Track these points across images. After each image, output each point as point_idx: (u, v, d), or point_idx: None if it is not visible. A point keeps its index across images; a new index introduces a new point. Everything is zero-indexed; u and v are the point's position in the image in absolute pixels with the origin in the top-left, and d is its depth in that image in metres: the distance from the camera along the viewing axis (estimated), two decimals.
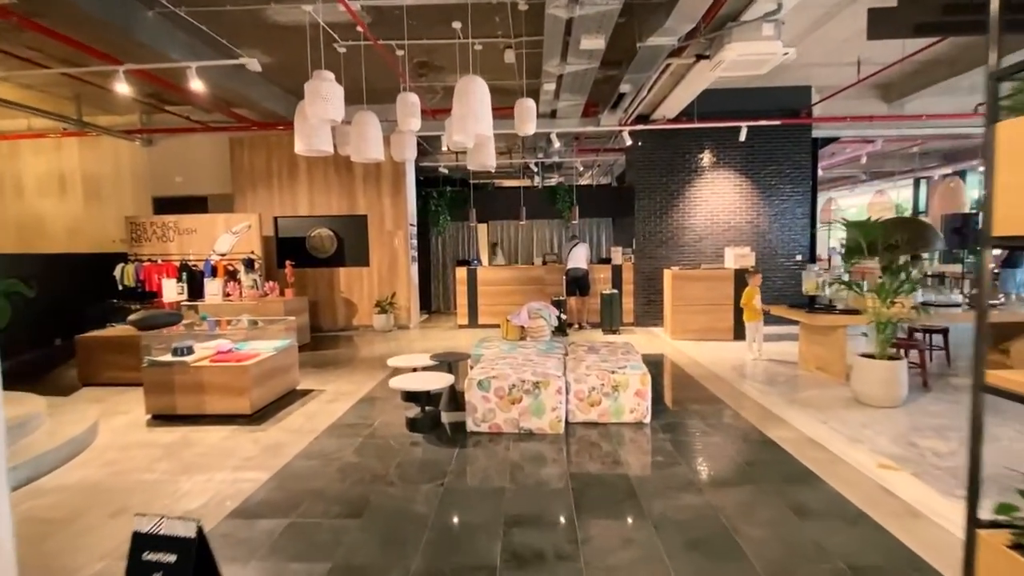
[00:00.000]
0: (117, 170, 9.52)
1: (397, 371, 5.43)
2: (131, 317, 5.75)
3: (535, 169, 10.91)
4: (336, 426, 4.30)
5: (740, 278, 7.64)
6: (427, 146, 10.67)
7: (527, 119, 4.78)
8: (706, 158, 8.70)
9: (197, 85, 5.09)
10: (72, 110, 8.14)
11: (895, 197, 15.51)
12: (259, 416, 4.53)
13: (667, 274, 7.94)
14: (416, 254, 9.92)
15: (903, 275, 4.41)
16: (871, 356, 4.55)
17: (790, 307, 5.97)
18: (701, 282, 7.71)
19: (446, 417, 4.32)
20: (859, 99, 8.56)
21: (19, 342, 6.90)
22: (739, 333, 7.64)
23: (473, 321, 9.22)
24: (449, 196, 11.15)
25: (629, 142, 8.18)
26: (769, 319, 6.54)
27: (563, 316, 8.35)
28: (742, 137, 8.05)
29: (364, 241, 9.30)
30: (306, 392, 5.29)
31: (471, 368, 4.65)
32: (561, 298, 8.47)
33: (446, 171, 11.59)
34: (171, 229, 8.43)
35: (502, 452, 3.64)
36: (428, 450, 3.74)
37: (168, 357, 4.57)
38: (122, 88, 5.40)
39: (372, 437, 4.02)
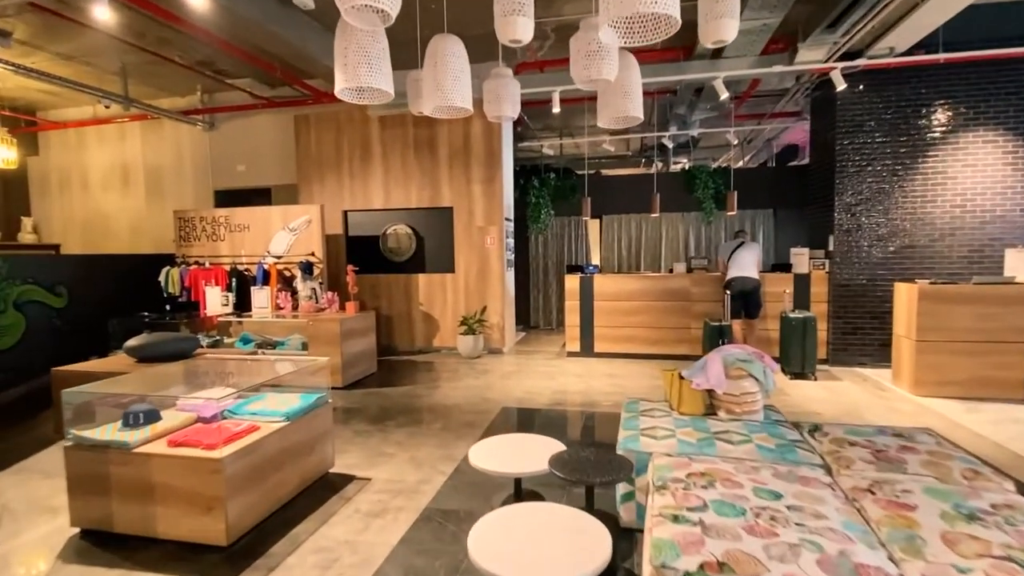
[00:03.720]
0: (179, 160, 8.32)
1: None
2: (129, 343, 4.08)
3: (669, 145, 8.35)
4: None
5: None
6: (527, 121, 8.48)
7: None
8: (951, 114, 5.67)
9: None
10: (118, 86, 6.91)
11: None
12: (243, 550, 2.52)
13: (905, 291, 5.07)
14: (512, 256, 7.76)
15: None
16: None
17: None
18: (968, 305, 4.77)
19: None
20: None
21: (35, 363, 5.60)
22: None
23: (587, 348, 6.87)
24: (554, 184, 8.89)
25: (841, 86, 5.39)
26: None
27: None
28: None
29: (449, 240, 7.30)
30: (342, 482, 3.24)
31: (647, 499, 2.33)
32: (721, 321, 5.87)
33: (551, 152, 9.34)
34: (222, 226, 6.93)
35: None
36: None
37: (108, 431, 2.70)
38: (102, 13, 3.71)
39: None
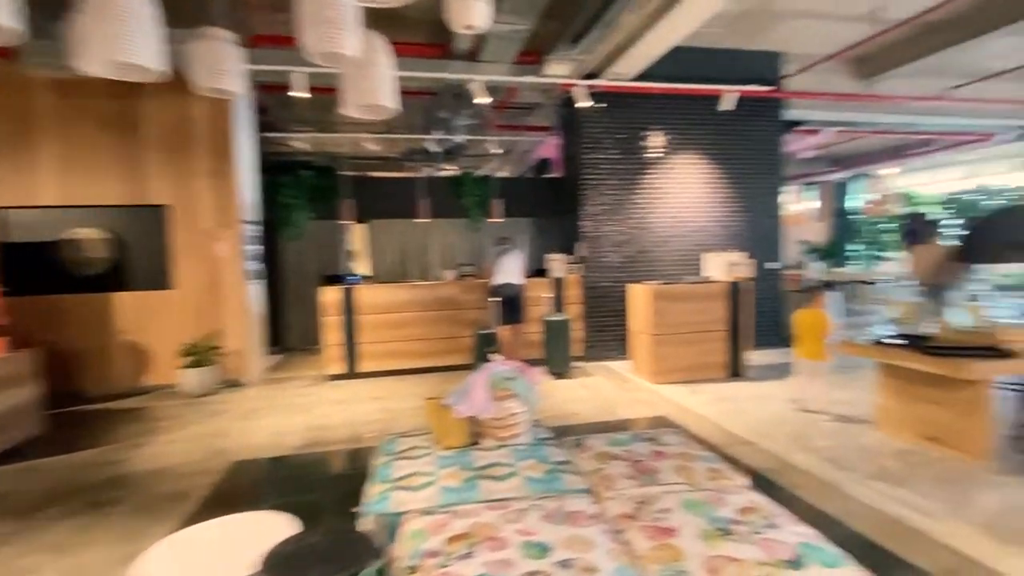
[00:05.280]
0: None
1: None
2: None
3: (435, 150, 8.12)
4: None
5: (736, 294, 5.61)
6: (272, 107, 7.32)
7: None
8: (668, 138, 6.63)
9: None
10: None
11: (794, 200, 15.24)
12: None
13: (641, 292, 5.66)
14: (260, 267, 6.54)
15: None
16: None
17: (878, 344, 3.93)
18: (687, 302, 5.54)
19: None
20: (828, 75, 7.14)
21: None
22: (735, 369, 5.61)
23: (352, 369, 6.13)
24: (311, 184, 7.87)
25: (587, 104, 5.78)
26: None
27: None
28: (726, 106, 6.12)
29: (163, 248, 5.75)
30: None
31: None
32: (488, 330, 5.78)
33: (307, 147, 8.26)
34: None
35: None
36: None
37: None
38: None
39: None
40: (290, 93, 5.18)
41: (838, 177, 13.84)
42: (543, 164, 9.91)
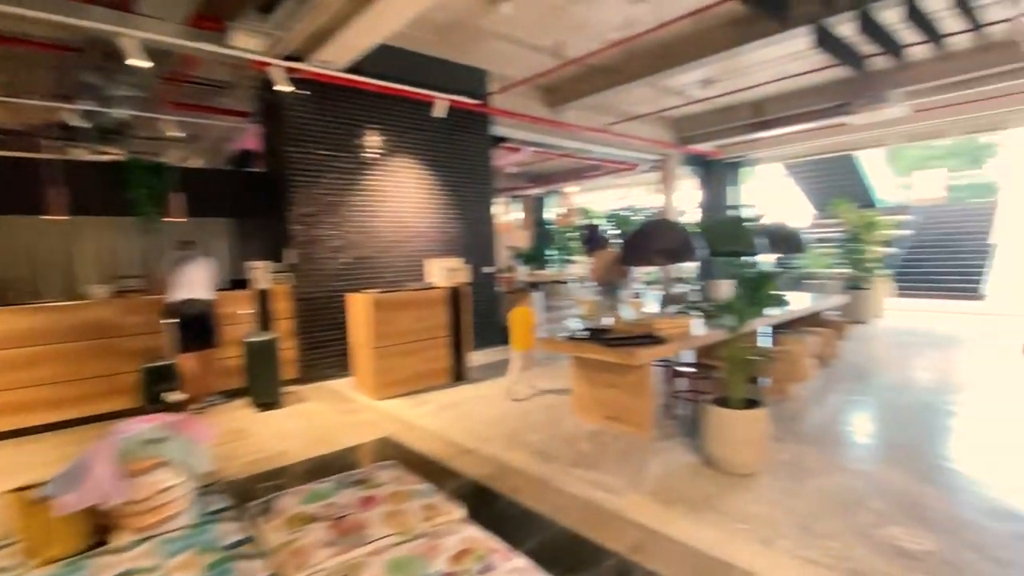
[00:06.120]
0: None
1: None
2: None
3: (86, 125, 6.02)
4: None
5: (456, 299, 5.67)
6: None
7: None
8: (384, 139, 6.35)
9: None
10: None
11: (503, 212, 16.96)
12: None
13: (361, 301, 5.21)
14: None
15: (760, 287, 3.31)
16: (724, 403, 3.30)
17: (569, 339, 4.34)
18: (409, 310, 5.34)
19: None
20: (526, 99, 7.98)
21: None
22: (459, 373, 5.68)
23: None
24: None
25: (287, 88, 5.01)
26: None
27: (179, 395, 4.51)
28: (439, 112, 6.15)
29: None
30: None
31: None
32: (162, 361, 4.51)
33: None
34: None
35: None
36: None
37: None
38: None
39: None
40: None
41: (536, 192, 15.96)
42: (245, 156, 8.53)
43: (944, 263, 13.12)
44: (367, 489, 2.16)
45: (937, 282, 12.30)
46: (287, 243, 5.79)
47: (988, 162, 21.67)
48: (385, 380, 5.13)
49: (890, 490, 2.97)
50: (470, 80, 6.94)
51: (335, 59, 5.38)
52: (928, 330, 7.91)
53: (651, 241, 5.21)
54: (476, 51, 6.52)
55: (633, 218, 13.01)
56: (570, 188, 15.43)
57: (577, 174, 13.97)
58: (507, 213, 16.93)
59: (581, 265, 13.79)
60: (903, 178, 19.48)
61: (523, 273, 10.92)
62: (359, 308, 5.24)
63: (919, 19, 4.78)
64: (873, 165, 15.95)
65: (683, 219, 11.18)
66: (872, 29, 4.96)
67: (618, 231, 11.06)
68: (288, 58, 5.25)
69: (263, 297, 5.59)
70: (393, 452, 3.85)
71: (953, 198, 18.14)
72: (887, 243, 10.27)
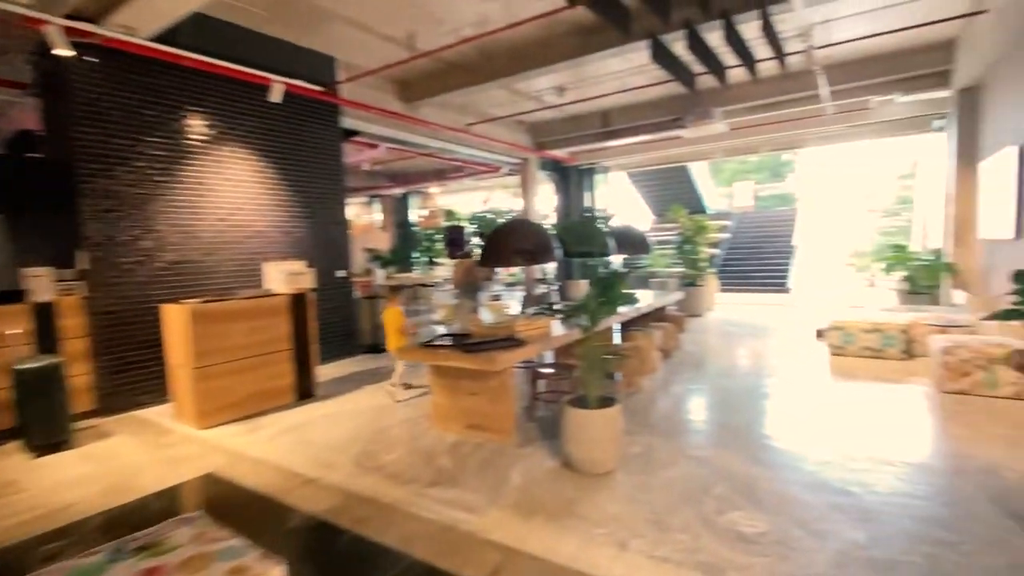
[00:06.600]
0: None
1: None
2: None
3: None
4: None
5: (300, 307, 5.08)
6: None
7: None
8: (210, 124, 5.49)
9: None
10: None
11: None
12: None
13: (176, 313, 4.38)
14: None
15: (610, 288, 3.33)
16: (582, 402, 3.28)
17: (426, 346, 4.05)
18: (240, 322, 4.63)
19: None
20: (379, 91, 7.54)
21: None
22: (305, 389, 5.09)
23: None
24: None
25: (68, 52, 4.03)
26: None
27: None
28: (275, 97, 5.48)
29: None
30: None
31: None
32: None
33: None
34: None
35: None
36: None
37: None
38: None
39: None
40: None
41: (398, 192, 15.38)
42: (24, 139, 6.89)
43: (757, 262, 15.23)
44: (152, 557, 1.68)
45: (752, 278, 14.22)
46: (79, 244, 4.71)
47: (787, 176, 25.80)
48: (211, 405, 4.39)
49: (728, 474, 3.17)
50: (316, 66, 6.33)
51: (139, 26, 4.49)
52: (748, 321, 9.00)
53: (510, 241, 5.14)
54: (321, 34, 5.95)
55: (497, 220, 13.12)
56: (433, 189, 15.12)
57: (440, 175, 13.72)
58: (368, 213, 16.11)
59: (447, 268, 13.57)
60: (724, 188, 22.36)
61: (381, 276, 10.36)
62: (175, 321, 4.41)
63: (737, 44, 5.33)
64: (702, 176, 18.01)
65: (544, 222, 11.50)
66: (700, 49, 5.42)
67: (480, 234, 11.02)
68: (75, 17, 4.26)
69: (44, 312, 4.47)
70: (215, 492, 3.24)
71: (760, 206, 21.28)
72: (714, 245, 11.60)
